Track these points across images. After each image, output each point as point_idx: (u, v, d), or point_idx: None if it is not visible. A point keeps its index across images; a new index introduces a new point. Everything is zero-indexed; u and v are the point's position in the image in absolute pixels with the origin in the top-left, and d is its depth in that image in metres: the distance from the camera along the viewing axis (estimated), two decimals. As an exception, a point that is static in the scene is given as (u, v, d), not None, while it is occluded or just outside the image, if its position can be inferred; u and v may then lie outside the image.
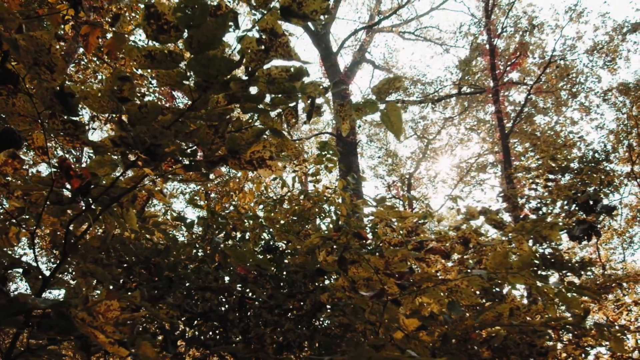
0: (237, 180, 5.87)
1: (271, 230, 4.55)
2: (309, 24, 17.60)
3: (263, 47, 1.64)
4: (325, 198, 4.98)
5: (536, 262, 5.30)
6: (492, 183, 21.20)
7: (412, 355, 2.13)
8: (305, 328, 3.51)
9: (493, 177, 20.62)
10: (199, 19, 1.39)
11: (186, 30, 1.46)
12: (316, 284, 3.47)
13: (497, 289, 4.05)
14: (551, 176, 8.13)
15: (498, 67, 16.83)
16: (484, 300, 4.42)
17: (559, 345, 5.15)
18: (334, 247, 3.14)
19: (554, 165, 7.11)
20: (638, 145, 16.78)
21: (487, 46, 16.84)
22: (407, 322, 2.12)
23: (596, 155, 12.69)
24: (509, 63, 17.12)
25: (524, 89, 18.16)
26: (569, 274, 5.92)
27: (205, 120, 1.78)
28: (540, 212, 6.64)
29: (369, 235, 4.99)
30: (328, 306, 3.53)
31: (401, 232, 3.27)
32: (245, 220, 4.38)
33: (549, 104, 19.07)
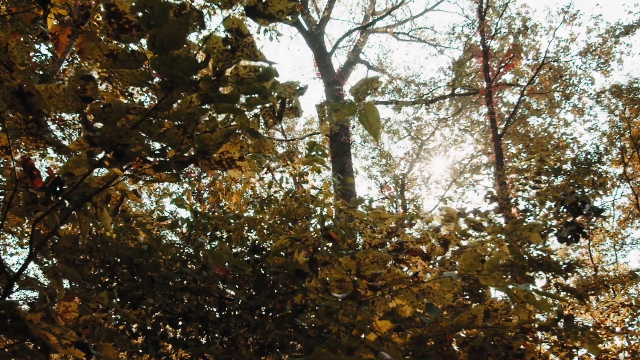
0: (224, 180, 5.85)
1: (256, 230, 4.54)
2: (303, 23, 17.60)
3: (229, 47, 1.63)
4: (312, 198, 4.97)
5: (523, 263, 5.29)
6: (486, 184, 21.25)
7: (384, 357, 2.13)
8: (292, 329, 3.50)
9: (486, 178, 20.66)
10: (159, 18, 1.38)
11: (148, 30, 1.45)
12: (298, 285, 3.46)
13: (483, 290, 4.05)
14: (544, 177, 8.15)
15: (491, 69, 16.86)
16: (469, 301, 4.42)
17: (546, 347, 5.16)
18: (317, 247, 3.13)
19: (542, 167, 7.12)
20: (631, 147, 16.84)
21: (481, 47, 16.87)
22: (380, 323, 2.11)
23: (589, 156, 12.73)
24: (502, 64, 17.16)
25: (517, 90, 18.22)
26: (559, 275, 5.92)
27: (173, 120, 1.77)
28: (528, 214, 6.66)
29: (358, 236, 4.98)
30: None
31: (381, 233, 3.26)
32: (232, 221, 4.36)
33: (543, 105, 19.13)
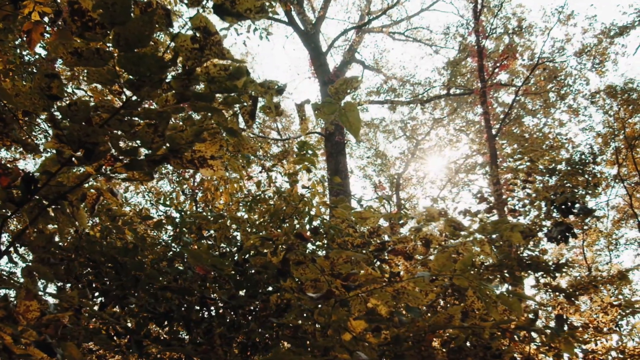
0: (215, 179, 5.84)
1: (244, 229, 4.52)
2: (299, 23, 17.59)
3: (198, 45, 1.62)
4: (299, 198, 4.95)
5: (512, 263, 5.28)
6: (481, 184, 21.26)
7: (360, 356, 2.12)
8: (278, 329, 3.49)
9: (481, 178, 20.68)
10: (122, 16, 1.37)
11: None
12: (281, 284, 3.45)
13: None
14: (538, 178, 8.14)
15: (486, 69, 16.87)
16: (458, 301, 4.42)
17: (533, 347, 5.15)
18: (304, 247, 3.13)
19: (532, 168, 7.12)
20: (625, 147, 16.87)
21: (476, 47, 16.88)
22: (355, 323, 2.11)
23: (583, 157, 12.75)
24: (497, 65, 17.17)
25: (512, 90, 18.23)
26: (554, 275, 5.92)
27: (143, 119, 1.76)
28: (518, 214, 6.66)
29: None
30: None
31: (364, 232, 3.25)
32: (216, 220, 4.35)
33: (538, 105, 19.15)
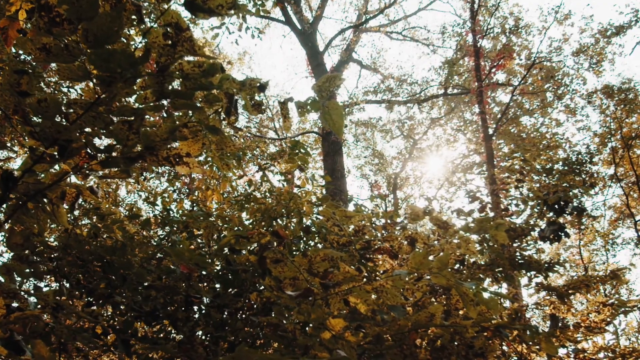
0: (209, 177, 5.84)
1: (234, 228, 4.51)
2: (296, 22, 17.56)
3: (170, 41, 1.62)
4: (290, 197, 4.94)
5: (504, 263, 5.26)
6: (478, 184, 21.23)
7: (339, 355, 2.11)
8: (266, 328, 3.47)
9: (478, 177, 20.66)
10: (88, 11, 1.36)
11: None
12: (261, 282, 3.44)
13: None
14: (535, 177, 8.14)
15: (484, 68, 16.86)
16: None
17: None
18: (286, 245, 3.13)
19: (525, 167, 7.12)
20: (622, 147, 16.86)
21: (473, 47, 16.87)
22: (334, 322, 2.10)
23: (580, 156, 12.74)
24: (494, 64, 17.16)
25: (510, 90, 18.21)
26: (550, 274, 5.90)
27: (117, 116, 1.75)
28: (511, 214, 6.65)
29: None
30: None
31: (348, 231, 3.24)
32: (202, 219, 4.33)
33: (535, 105, 19.14)
